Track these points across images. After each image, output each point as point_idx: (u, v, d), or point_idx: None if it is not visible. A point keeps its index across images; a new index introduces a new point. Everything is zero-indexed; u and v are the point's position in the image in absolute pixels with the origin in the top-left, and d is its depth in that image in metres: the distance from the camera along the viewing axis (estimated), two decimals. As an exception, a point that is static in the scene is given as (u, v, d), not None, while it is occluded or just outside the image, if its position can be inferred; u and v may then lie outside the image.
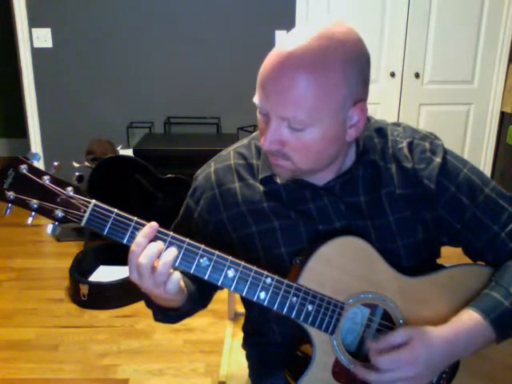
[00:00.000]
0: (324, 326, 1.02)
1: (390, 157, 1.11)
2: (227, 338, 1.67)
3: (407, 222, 1.10)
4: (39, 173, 0.94)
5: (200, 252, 0.97)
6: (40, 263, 3.42)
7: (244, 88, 3.87)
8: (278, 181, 1.12)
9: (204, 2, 3.91)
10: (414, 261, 1.11)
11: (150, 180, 3.26)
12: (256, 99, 1.00)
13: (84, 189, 0.94)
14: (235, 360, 1.56)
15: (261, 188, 1.13)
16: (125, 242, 0.95)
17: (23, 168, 0.93)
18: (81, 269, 3.04)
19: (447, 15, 3.91)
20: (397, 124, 1.18)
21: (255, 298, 0.99)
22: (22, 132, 4.48)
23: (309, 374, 1.04)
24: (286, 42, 0.95)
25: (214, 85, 4.06)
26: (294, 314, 1.01)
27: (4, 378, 2.35)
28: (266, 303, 1.00)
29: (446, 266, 1.12)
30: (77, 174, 0.97)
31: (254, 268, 0.99)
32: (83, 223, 0.94)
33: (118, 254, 3.04)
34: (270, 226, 1.11)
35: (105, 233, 0.94)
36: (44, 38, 3.91)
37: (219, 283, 0.98)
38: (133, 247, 0.94)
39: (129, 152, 3.62)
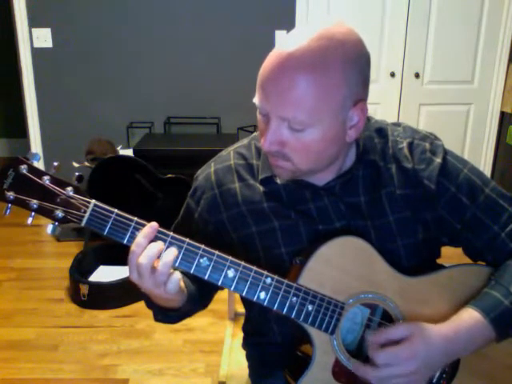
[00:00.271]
0: (324, 325, 1.02)
1: (390, 157, 1.11)
2: (227, 338, 1.67)
3: (407, 222, 1.10)
4: (39, 173, 0.94)
5: (200, 252, 0.97)
6: (40, 263, 3.42)
7: (244, 88, 3.87)
8: (278, 181, 1.12)
9: (204, 2, 3.91)
10: (414, 261, 1.11)
11: (150, 180, 3.26)
12: (256, 100, 1.00)
13: (84, 189, 0.94)
14: (235, 360, 1.56)
15: (261, 188, 1.13)
16: (125, 242, 0.95)
17: (23, 168, 0.93)
18: (81, 269, 3.04)
19: (447, 15, 3.91)
20: (397, 124, 1.18)
21: (255, 298, 0.99)
22: (22, 132, 4.48)
23: (309, 374, 1.04)
24: (285, 43, 0.95)
25: (214, 85, 4.06)
26: (293, 313, 1.01)
27: (4, 377, 2.35)
28: (265, 303, 1.00)
29: (446, 265, 1.12)
30: (77, 174, 0.97)
31: (254, 268, 0.99)
32: (83, 223, 0.94)
33: (118, 254, 3.04)
34: (270, 226, 1.11)
35: (105, 233, 0.94)
36: (44, 38, 3.91)
37: (219, 283, 0.98)
38: (133, 247, 0.94)
39: (129, 152, 3.62)
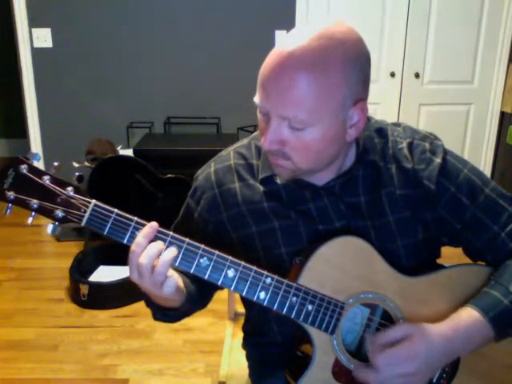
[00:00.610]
0: (324, 325, 1.02)
1: (390, 157, 1.11)
2: (227, 338, 1.67)
3: (407, 223, 1.10)
4: (39, 173, 0.94)
5: (200, 252, 0.97)
6: (40, 263, 3.42)
7: (244, 88, 3.87)
8: (278, 181, 1.12)
9: (204, 2, 3.91)
10: (414, 261, 1.11)
11: (150, 180, 3.26)
12: (256, 99, 1.00)
13: (84, 189, 0.94)
14: (235, 360, 1.56)
15: (261, 188, 1.13)
16: (125, 242, 0.95)
17: (23, 168, 0.93)
18: (81, 269, 3.04)
19: (447, 15, 3.91)
20: (397, 124, 1.18)
21: (255, 298, 1.00)
22: (22, 132, 4.48)
23: (309, 374, 1.04)
24: (286, 42, 0.95)
25: (213, 85, 4.06)
26: (293, 313, 1.01)
27: (4, 377, 2.35)
28: (265, 303, 1.00)
29: (446, 265, 1.12)
30: (77, 173, 0.97)
31: (254, 268, 0.99)
32: (83, 223, 0.94)
33: (118, 254, 3.04)
34: (270, 226, 1.11)
35: (105, 233, 0.94)
36: (44, 38, 3.91)
37: (219, 283, 0.98)
38: (133, 247, 0.94)
39: (129, 152, 3.62)
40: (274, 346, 1.22)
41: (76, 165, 3.46)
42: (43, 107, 4.06)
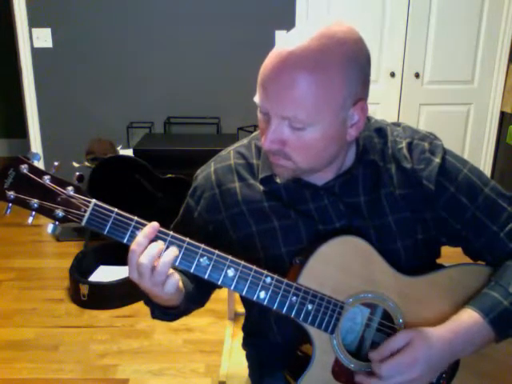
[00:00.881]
0: (324, 325, 1.02)
1: (389, 157, 1.11)
2: (227, 337, 1.67)
3: (407, 222, 1.10)
4: (40, 172, 0.94)
5: (200, 251, 0.97)
6: (40, 263, 3.42)
7: (244, 88, 3.87)
8: (278, 180, 1.12)
9: (204, 2, 3.91)
10: (414, 261, 1.11)
11: (150, 180, 3.26)
12: (257, 98, 1.00)
13: (84, 189, 0.94)
14: (235, 360, 1.56)
15: (261, 188, 1.13)
16: (125, 241, 0.95)
17: (24, 168, 0.93)
18: (81, 269, 3.04)
19: (447, 15, 3.91)
20: (397, 124, 1.18)
21: (255, 298, 1.00)
22: (22, 132, 4.49)
23: (309, 374, 1.04)
24: (286, 42, 0.95)
25: (214, 85, 4.06)
26: (293, 313, 1.01)
27: (4, 378, 2.35)
28: (265, 302, 1.00)
29: (446, 265, 1.12)
30: (77, 173, 0.97)
31: (254, 267, 0.99)
32: (83, 223, 0.94)
33: (118, 254, 3.05)
34: (270, 225, 1.12)
35: (105, 232, 0.94)
36: (44, 38, 3.91)
37: (219, 282, 0.98)
38: (133, 246, 0.94)
39: (129, 152, 3.61)
40: (273, 346, 1.22)
41: (76, 165, 3.46)
42: (43, 107, 4.06)
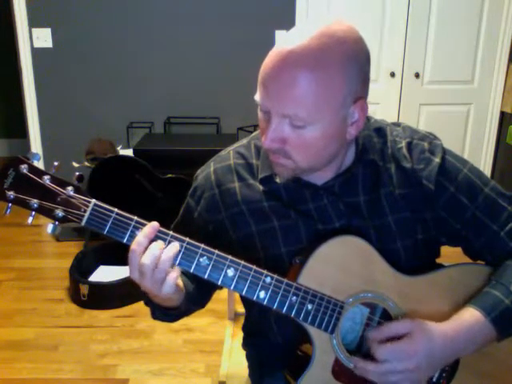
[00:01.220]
0: (324, 325, 1.02)
1: (389, 157, 1.12)
2: (227, 337, 1.67)
3: (407, 222, 1.10)
4: (39, 172, 0.94)
5: (200, 251, 0.97)
6: (40, 263, 3.42)
7: (244, 88, 3.87)
8: (278, 180, 1.12)
9: (204, 2, 3.91)
10: (414, 260, 1.11)
11: (150, 180, 3.26)
12: (257, 97, 1.00)
13: (84, 189, 0.94)
14: (235, 360, 1.56)
15: (260, 188, 1.13)
16: (125, 241, 0.95)
17: (23, 168, 0.93)
18: (81, 269, 3.04)
19: (447, 15, 3.91)
20: (396, 124, 1.18)
21: (255, 297, 1.00)
22: (22, 132, 4.49)
23: (309, 374, 1.04)
24: (286, 41, 0.96)
25: (213, 85, 4.06)
26: (293, 313, 1.01)
27: (4, 378, 2.35)
28: (265, 302, 1.00)
29: (446, 265, 1.12)
30: (77, 173, 0.97)
31: (254, 267, 0.99)
32: (83, 223, 0.94)
33: (118, 254, 3.05)
34: (270, 225, 1.12)
35: (105, 232, 0.94)
36: (44, 38, 3.91)
37: (219, 282, 0.98)
38: (133, 246, 0.94)
39: (129, 152, 3.61)
40: (273, 346, 1.22)
41: (76, 165, 3.46)
42: (43, 107, 4.06)
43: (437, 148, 1.12)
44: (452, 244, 1.16)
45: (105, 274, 3.06)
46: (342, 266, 1.03)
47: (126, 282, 2.88)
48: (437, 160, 1.10)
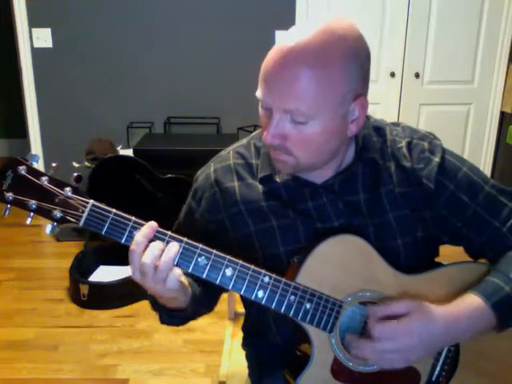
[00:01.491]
0: (322, 324, 1.02)
1: (388, 156, 1.12)
2: (227, 337, 1.67)
3: (407, 220, 1.10)
4: (38, 174, 0.94)
5: (198, 251, 0.97)
6: (40, 263, 3.42)
7: (244, 88, 3.87)
8: (278, 179, 1.12)
9: (204, 2, 3.91)
10: (413, 259, 1.11)
11: (150, 180, 3.26)
12: (259, 93, 1.00)
13: (84, 189, 0.95)
14: (235, 360, 1.56)
15: (260, 187, 1.13)
16: (123, 241, 0.95)
17: (22, 169, 0.93)
18: (81, 269, 3.04)
19: (447, 15, 3.91)
20: (396, 124, 1.18)
21: (253, 297, 1.00)
22: (22, 132, 4.49)
23: (308, 373, 1.04)
24: (288, 38, 0.97)
25: (213, 85, 4.06)
26: (292, 312, 1.01)
27: (4, 378, 2.35)
28: (263, 302, 1.00)
29: (445, 263, 1.12)
30: (75, 174, 0.97)
31: (252, 267, 0.99)
32: (81, 223, 0.94)
33: (118, 254, 3.06)
34: (268, 225, 1.12)
35: (103, 232, 0.94)
36: (44, 38, 3.91)
37: (217, 282, 0.98)
38: (132, 247, 0.94)
39: (129, 152, 3.61)
40: (273, 346, 1.22)
41: (76, 165, 3.46)
42: (43, 107, 4.06)
43: (436, 148, 1.12)
44: (454, 243, 1.16)
45: (105, 274, 3.06)
46: (340, 264, 1.04)
47: (126, 282, 2.88)
48: (436, 160, 1.10)
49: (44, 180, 0.94)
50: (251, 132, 3.10)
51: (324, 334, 1.03)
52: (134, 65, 4.02)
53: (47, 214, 0.94)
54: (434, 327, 0.98)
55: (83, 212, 0.94)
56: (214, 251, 0.98)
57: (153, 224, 0.95)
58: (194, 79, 4.05)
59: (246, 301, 1.27)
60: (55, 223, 0.95)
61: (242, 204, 1.14)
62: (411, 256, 1.11)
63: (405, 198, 1.10)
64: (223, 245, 1.05)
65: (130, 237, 0.95)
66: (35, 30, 3.89)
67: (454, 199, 1.10)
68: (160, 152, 3.61)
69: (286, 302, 1.01)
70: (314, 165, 1.06)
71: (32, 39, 3.90)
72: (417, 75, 4.03)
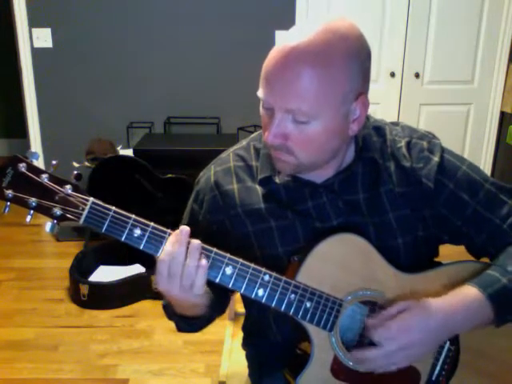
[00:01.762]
0: (322, 322, 1.02)
1: (388, 155, 1.12)
2: (227, 337, 1.67)
3: (407, 219, 1.11)
4: (38, 171, 0.94)
5: (198, 250, 0.97)
6: (40, 263, 3.42)
7: (244, 88, 3.87)
8: (277, 180, 1.12)
9: (204, 2, 3.91)
10: (413, 258, 1.12)
11: (150, 180, 3.26)
12: (260, 93, 1.00)
13: (84, 189, 0.95)
14: (235, 360, 1.56)
15: (259, 190, 1.14)
16: (123, 239, 0.95)
17: (22, 166, 0.93)
18: (81, 269, 3.04)
19: (447, 15, 3.91)
20: (395, 123, 1.19)
21: (253, 295, 1.00)
22: (22, 132, 4.48)
23: (307, 372, 1.04)
24: (289, 37, 0.97)
25: (213, 85, 4.06)
26: (292, 310, 1.01)
27: (4, 378, 2.35)
28: (264, 300, 1.00)
29: (444, 263, 1.12)
30: (75, 172, 0.97)
31: (252, 265, 0.99)
32: (81, 221, 0.94)
33: (118, 254, 3.06)
34: (267, 225, 1.12)
35: (103, 230, 0.95)
36: (44, 38, 3.91)
37: (217, 280, 0.98)
38: (163, 257, 0.95)
39: (129, 152, 3.61)
40: (273, 346, 1.22)
41: (76, 165, 3.46)
42: (43, 107, 4.05)
43: (436, 147, 1.13)
44: (454, 242, 1.16)
45: (105, 274, 3.05)
46: (340, 263, 1.04)
47: (126, 282, 2.88)
48: (436, 159, 1.11)
49: (44, 177, 0.94)
50: (251, 132, 3.10)
51: (324, 332, 1.03)
52: (134, 65, 4.01)
53: (47, 212, 0.94)
54: (433, 321, 0.99)
55: (83, 210, 0.94)
56: (214, 249, 0.98)
57: (185, 228, 0.96)
58: (194, 79, 4.05)
59: (246, 300, 1.27)
60: (55, 221, 0.95)
61: (240, 206, 1.14)
62: (411, 255, 1.11)
63: (404, 198, 1.10)
64: (225, 246, 1.05)
65: (130, 235, 0.95)
66: (35, 30, 3.89)
67: (453, 198, 1.10)
68: (160, 152, 3.60)
69: (286, 301, 1.01)
70: (315, 164, 1.06)
71: (32, 39, 3.90)
72: (417, 75, 4.03)
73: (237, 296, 1.54)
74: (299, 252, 1.06)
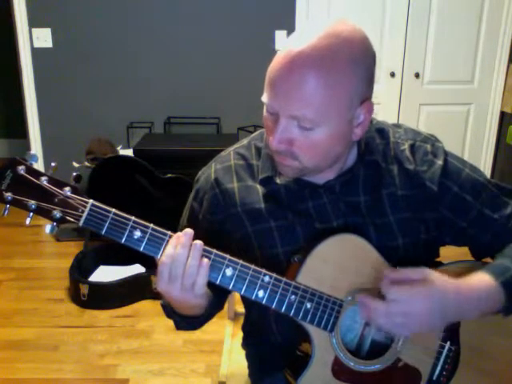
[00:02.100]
0: (323, 323, 1.02)
1: (391, 158, 1.12)
2: (227, 337, 1.67)
3: (408, 222, 1.11)
4: (37, 173, 0.94)
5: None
6: (40, 263, 3.42)
7: (244, 88, 3.88)
8: (278, 181, 1.12)
9: (204, 2, 3.91)
10: (413, 259, 1.11)
11: (150, 180, 3.25)
12: (265, 98, 1.00)
13: (84, 189, 0.95)
14: (235, 360, 1.56)
15: (260, 189, 1.13)
16: (123, 241, 0.95)
17: (21, 169, 0.93)
18: (81, 269, 3.04)
19: (447, 15, 3.90)
20: (397, 125, 1.19)
21: (253, 297, 1.00)
22: (22, 132, 4.48)
23: (308, 373, 1.04)
24: (293, 42, 0.96)
25: (213, 85, 4.06)
26: (292, 311, 1.01)
27: (4, 378, 2.35)
28: (264, 301, 1.00)
29: (444, 263, 1.12)
30: (74, 174, 0.96)
31: (252, 266, 0.99)
32: (81, 223, 0.94)
33: (118, 254, 3.06)
34: (267, 226, 1.12)
35: (103, 232, 0.95)
36: (44, 38, 3.91)
37: (217, 282, 0.98)
38: (163, 259, 0.94)
39: (129, 152, 3.61)
40: (273, 346, 1.22)
41: (76, 165, 3.46)
42: (43, 107, 4.05)
43: (439, 150, 1.13)
44: (457, 244, 1.16)
45: (105, 274, 3.05)
46: (340, 264, 1.04)
47: (126, 282, 2.88)
48: (440, 162, 1.11)
49: (43, 180, 0.94)
50: (251, 132, 3.10)
51: (325, 333, 1.03)
52: (134, 65, 4.01)
53: (47, 214, 0.94)
54: (448, 296, 0.97)
55: (83, 212, 0.94)
56: (214, 251, 0.98)
57: (188, 231, 0.96)
58: (193, 79, 4.05)
59: (246, 300, 1.27)
60: (55, 223, 0.95)
61: (240, 206, 1.13)
62: (411, 256, 1.11)
63: (407, 201, 1.10)
64: (225, 245, 1.05)
65: (130, 236, 0.95)
66: (35, 30, 3.89)
67: (458, 200, 1.11)
68: (160, 152, 3.60)
69: (286, 302, 1.01)
70: (319, 168, 1.06)
71: (32, 39, 3.90)
72: (417, 75, 4.03)
73: (237, 296, 1.54)
74: (299, 252, 1.06)
